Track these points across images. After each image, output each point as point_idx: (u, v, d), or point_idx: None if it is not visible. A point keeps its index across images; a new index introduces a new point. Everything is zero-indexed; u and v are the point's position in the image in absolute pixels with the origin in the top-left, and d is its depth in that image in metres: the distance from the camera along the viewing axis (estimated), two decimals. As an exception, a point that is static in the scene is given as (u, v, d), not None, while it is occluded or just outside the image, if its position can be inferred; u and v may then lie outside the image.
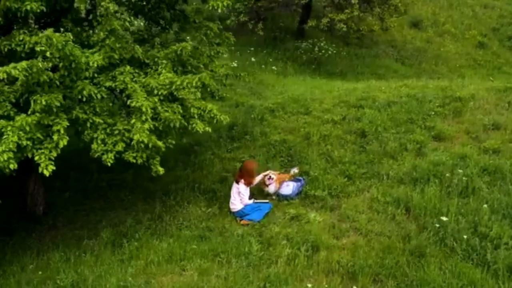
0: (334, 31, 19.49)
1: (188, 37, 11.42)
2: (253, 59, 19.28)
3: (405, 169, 10.30)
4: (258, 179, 10.22)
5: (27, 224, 10.65)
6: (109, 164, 8.24)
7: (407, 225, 8.83)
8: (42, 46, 7.48)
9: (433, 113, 12.43)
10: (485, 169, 10.04)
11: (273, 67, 19.05)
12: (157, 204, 10.54)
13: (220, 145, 12.78)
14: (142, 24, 11.30)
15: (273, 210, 9.76)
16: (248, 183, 9.80)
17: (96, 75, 8.66)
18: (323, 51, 21.20)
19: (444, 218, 8.68)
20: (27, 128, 7.45)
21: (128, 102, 8.33)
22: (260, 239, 8.78)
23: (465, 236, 8.18)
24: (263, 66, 19.09)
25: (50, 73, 7.67)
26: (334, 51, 21.40)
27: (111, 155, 8.22)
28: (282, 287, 7.41)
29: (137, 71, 9.06)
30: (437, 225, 8.58)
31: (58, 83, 7.94)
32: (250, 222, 9.52)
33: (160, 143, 8.30)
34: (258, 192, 10.38)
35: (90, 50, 8.63)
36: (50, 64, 7.82)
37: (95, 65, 7.83)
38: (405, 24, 25.10)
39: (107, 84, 8.61)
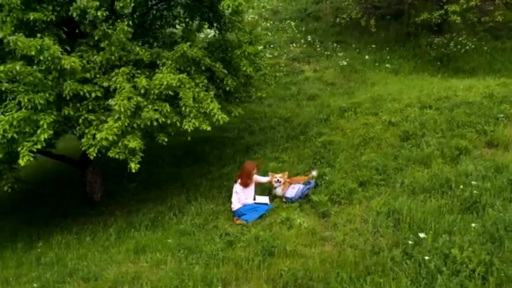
0: (451, 25, 17.61)
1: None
2: (367, 57, 18.48)
3: (422, 178, 9.18)
4: (264, 180, 10.11)
5: (83, 209, 12.05)
6: (92, 158, 8.99)
7: (385, 239, 7.93)
8: (33, 51, 8.55)
9: (502, 115, 10.73)
10: (515, 183, 8.45)
11: (387, 65, 18.00)
12: (182, 198, 11.06)
13: (274, 145, 12.79)
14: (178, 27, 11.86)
15: (270, 212, 9.54)
16: (244, 184, 9.75)
17: (98, 75, 9.52)
18: (459, 46, 19.33)
19: (422, 235, 7.62)
20: (15, 123, 8.57)
21: (109, 101, 9.00)
22: (231, 239, 8.72)
23: (427, 257, 7.10)
24: (377, 64, 18.17)
25: (38, 74, 8.69)
26: (473, 46, 19.33)
27: (96, 149, 8.95)
28: (202, 288, 7.35)
29: (139, 71, 9.68)
30: (411, 242, 7.57)
31: (50, 83, 8.94)
32: (243, 222, 9.47)
33: (134, 143, 8.77)
34: (268, 193, 10.23)
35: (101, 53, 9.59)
36: (44, 67, 8.86)
37: (69, 67, 8.61)
38: None
39: (105, 84, 9.39)
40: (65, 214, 11.88)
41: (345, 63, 18.04)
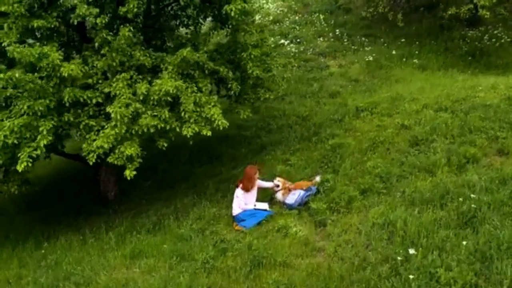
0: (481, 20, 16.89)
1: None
2: (394, 51, 17.97)
3: (424, 188, 8.90)
4: (266, 185, 10.06)
5: (96, 208, 12.32)
6: (91, 163, 9.14)
7: (375, 253, 7.75)
8: (31, 59, 8.77)
9: (518, 120, 10.29)
10: (518, 196, 8.08)
11: (415, 60, 17.45)
12: (188, 199, 11.14)
13: (287, 145, 12.68)
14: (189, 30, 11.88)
15: (268, 219, 9.48)
16: (245, 188, 9.70)
17: (100, 81, 9.66)
18: (493, 40, 18.56)
19: (412, 251, 7.41)
20: (16, 129, 8.80)
21: (106, 108, 9.10)
22: (225, 247, 8.72)
23: (411, 276, 6.90)
24: (404, 59, 17.63)
25: (39, 81, 8.88)
26: (509, 39, 18.50)
27: (95, 155, 9.10)
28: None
29: (141, 76, 9.75)
30: (400, 258, 7.37)
31: (51, 89, 9.12)
32: (242, 228, 9.45)
33: (130, 150, 8.86)
34: (270, 198, 10.18)
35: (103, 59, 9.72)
36: (45, 73, 9.06)
37: (66, 75, 8.75)
38: None
39: (106, 90, 9.51)
40: (78, 213, 12.15)
41: (371, 58, 17.60)
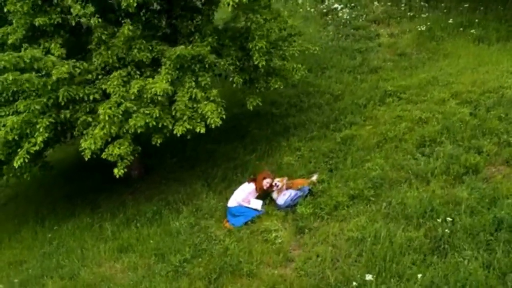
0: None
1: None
2: (451, 20, 16.59)
3: (410, 201, 8.47)
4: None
5: (117, 187, 12.83)
6: (86, 159, 9.54)
7: (338, 273, 7.62)
8: (23, 64, 9.20)
9: (541, 123, 9.37)
10: (502, 221, 7.50)
11: (473, 31, 16.04)
12: (196, 186, 11.37)
13: (307, 130, 12.42)
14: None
15: (256, 220, 9.50)
16: (260, 189, 9.80)
17: (100, 76, 9.94)
18: None
19: (369, 277, 7.21)
20: (16, 126, 9.35)
21: (97, 107, 9.37)
22: (203, 248, 8.92)
23: (358, 307, 6.77)
24: (461, 29, 16.26)
25: (35, 80, 9.28)
26: None
27: (90, 150, 9.48)
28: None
29: (138, 72, 9.90)
30: (355, 284, 7.21)
31: (49, 87, 9.52)
32: (230, 226, 9.58)
33: (119, 150, 9.15)
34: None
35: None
36: (44, 72, 9.47)
37: (55, 78, 9.06)
38: None
39: (103, 86, 9.77)
40: (100, 191, 12.75)
41: (424, 28, 16.42)
